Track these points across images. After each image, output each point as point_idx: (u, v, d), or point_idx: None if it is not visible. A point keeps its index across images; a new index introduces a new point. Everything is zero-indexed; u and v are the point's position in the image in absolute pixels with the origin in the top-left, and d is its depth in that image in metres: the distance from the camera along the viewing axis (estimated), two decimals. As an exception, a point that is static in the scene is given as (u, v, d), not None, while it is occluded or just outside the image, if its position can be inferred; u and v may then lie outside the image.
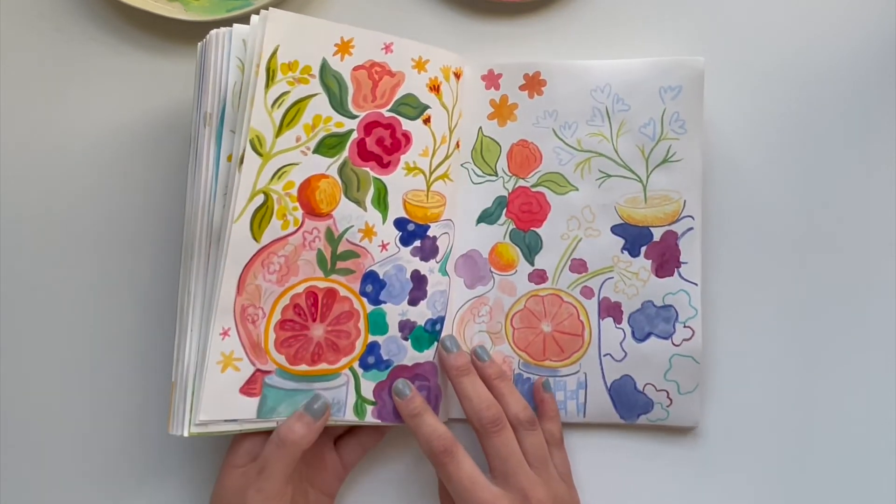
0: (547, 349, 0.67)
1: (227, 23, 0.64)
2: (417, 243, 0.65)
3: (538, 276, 0.67)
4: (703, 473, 0.67)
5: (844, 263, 0.69)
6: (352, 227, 0.63)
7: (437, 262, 0.66)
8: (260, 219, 0.61)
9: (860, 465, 0.67)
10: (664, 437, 0.67)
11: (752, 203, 0.69)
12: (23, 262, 0.71)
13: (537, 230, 0.67)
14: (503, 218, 0.68)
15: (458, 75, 0.67)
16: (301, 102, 0.62)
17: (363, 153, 0.64)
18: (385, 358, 0.64)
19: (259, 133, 0.61)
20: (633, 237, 0.66)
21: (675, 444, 0.67)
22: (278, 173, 0.61)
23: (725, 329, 0.68)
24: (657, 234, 0.66)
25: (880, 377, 0.67)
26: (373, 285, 0.63)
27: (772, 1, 0.71)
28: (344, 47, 0.63)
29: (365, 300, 0.63)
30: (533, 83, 0.67)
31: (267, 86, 0.61)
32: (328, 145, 0.63)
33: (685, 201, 0.66)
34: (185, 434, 0.59)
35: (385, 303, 0.64)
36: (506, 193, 0.68)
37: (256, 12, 0.63)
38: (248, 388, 0.60)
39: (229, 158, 0.61)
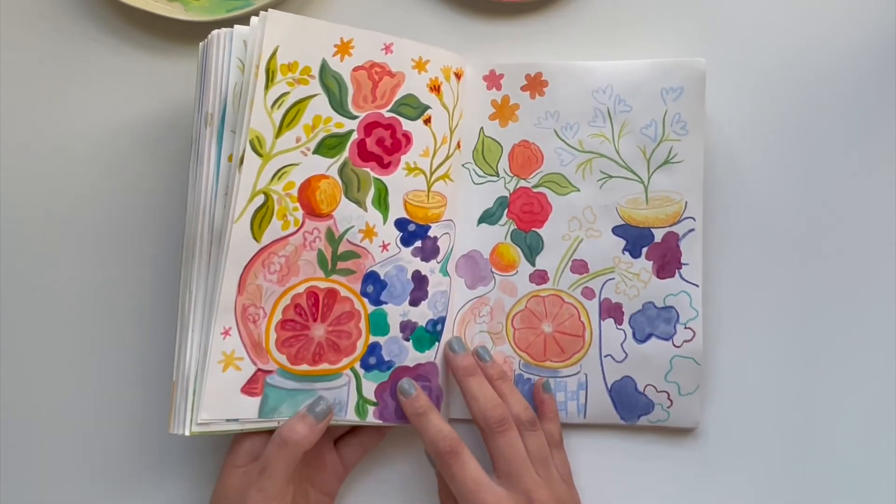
0: (548, 350, 0.67)
1: (227, 23, 0.65)
2: (418, 244, 0.66)
3: (539, 277, 0.68)
4: (703, 475, 0.68)
5: (846, 265, 0.69)
6: (352, 227, 0.64)
7: (438, 263, 0.66)
8: (260, 219, 0.62)
9: (861, 466, 0.67)
10: (665, 438, 0.68)
11: (753, 204, 0.70)
12: (23, 263, 0.71)
13: (538, 231, 0.68)
14: (504, 218, 0.68)
15: (458, 76, 0.68)
16: (301, 103, 0.63)
17: (363, 154, 0.64)
18: (386, 359, 0.64)
19: (259, 134, 0.62)
20: (635, 238, 0.67)
21: (675, 445, 0.68)
22: (278, 174, 0.62)
23: (726, 330, 0.69)
24: (658, 235, 0.67)
25: (881, 377, 0.68)
26: (374, 286, 0.64)
27: (772, 1, 0.72)
28: (344, 48, 0.64)
29: (366, 301, 0.64)
30: (534, 84, 0.68)
31: (267, 87, 0.62)
32: (328, 146, 0.64)
33: (686, 202, 0.66)
34: (187, 433, 0.60)
35: (386, 303, 0.65)
36: (507, 194, 0.68)
37: (256, 13, 0.63)
38: (249, 388, 0.61)
39: (230, 159, 0.62)
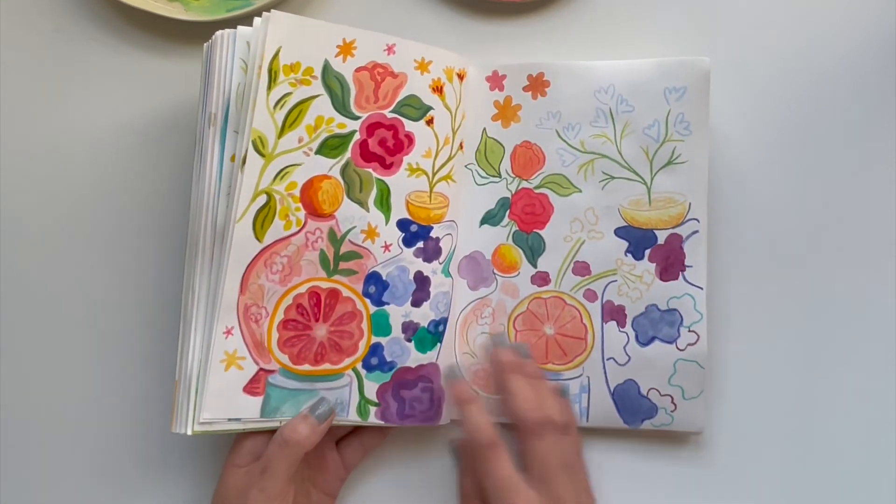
0: (549, 352, 0.68)
1: (227, 23, 0.66)
2: (420, 244, 0.67)
3: (541, 279, 0.68)
4: (707, 481, 0.68)
5: (851, 268, 0.70)
6: (354, 227, 0.65)
7: (441, 264, 0.67)
8: (262, 219, 0.63)
9: (867, 472, 0.68)
10: (668, 442, 0.68)
11: (756, 205, 0.71)
12: (24, 262, 0.73)
13: (540, 232, 0.68)
14: (506, 219, 0.69)
15: (461, 76, 0.69)
16: (303, 104, 0.64)
17: (366, 154, 0.66)
18: (388, 359, 0.65)
19: (261, 134, 0.63)
20: (637, 240, 0.67)
21: (679, 449, 0.68)
22: (281, 174, 0.63)
23: (731, 333, 0.69)
24: (661, 236, 0.67)
25: (887, 381, 0.68)
26: (376, 286, 0.65)
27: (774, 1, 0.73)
28: (346, 49, 0.65)
29: (368, 301, 0.65)
30: (536, 84, 0.69)
31: (269, 87, 0.63)
32: (330, 146, 0.65)
33: (690, 204, 0.67)
34: (189, 432, 0.61)
35: (388, 304, 0.66)
36: (509, 195, 0.69)
37: (256, 13, 0.65)
38: (251, 387, 0.62)
39: (232, 159, 0.63)
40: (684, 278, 0.67)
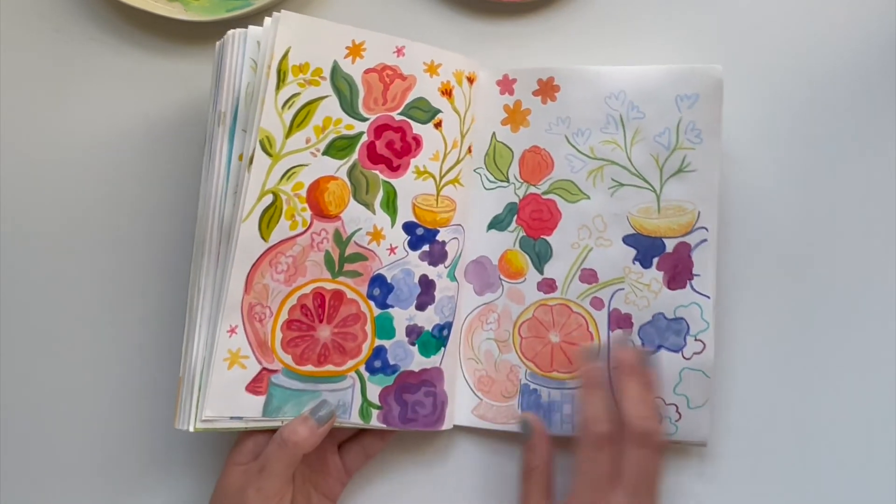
0: (554, 360, 0.68)
1: (227, 23, 0.68)
2: (426, 248, 0.68)
3: (547, 286, 0.69)
4: (712, 493, 0.68)
5: (862, 279, 0.70)
6: (360, 229, 0.66)
7: (446, 268, 0.68)
8: (268, 219, 0.64)
9: (876, 486, 0.68)
10: (673, 452, 0.69)
11: (765, 214, 0.71)
12: (30, 260, 0.74)
13: (547, 238, 0.69)
14: (513, 225, 0.70)
15: (471, 80, 0.70)
16: (311, 104, 0.65)
17: (373, 156, 0.67)
18: (392, 362, 0.66)
19: (269, 134, 0.64)
20: (646, 248, 0.68)
21: (683, 460, 0.69)
22: (287, 174, 0.64)
23: (738, 343, 0.70)
24: (670, 245, 0.67)
25: None
26: (380, 288, 0.66)
27: (780, 4, 0.74)
28: (355, 50, 0.66)
29: (372, 303, 0.66)
30: (546, 88, 0.70)
31: (278, 87, 0.64)
32: (338, 147, 0.66)
33: (699, 212, 0.67)
34: (191, 429, 0.62)
35: (392, 307, 0.67)
36: (517, 200, 0.70)
37: (256, 13, 0.66)
38: (254, 387, 0.63)
39: (240, 158, 0.64)
40: (692, 287, 0.67)
